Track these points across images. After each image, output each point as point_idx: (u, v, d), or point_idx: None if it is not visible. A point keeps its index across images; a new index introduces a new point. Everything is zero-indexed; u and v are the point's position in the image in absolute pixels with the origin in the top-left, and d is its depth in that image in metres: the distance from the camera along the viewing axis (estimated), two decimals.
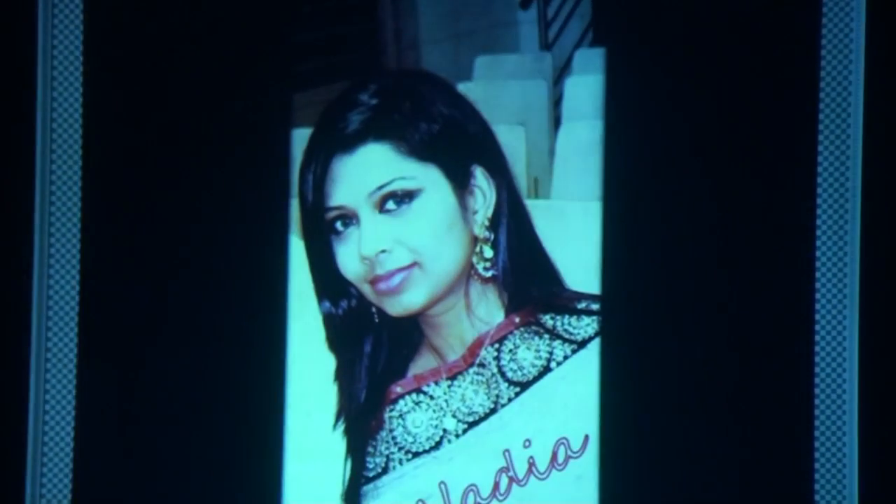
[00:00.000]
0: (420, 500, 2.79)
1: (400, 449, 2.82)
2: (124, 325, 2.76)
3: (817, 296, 2.73)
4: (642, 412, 2.74)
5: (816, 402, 2.72)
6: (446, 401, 2.81)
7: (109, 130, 2.78)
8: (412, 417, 2.81)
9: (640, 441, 2.74)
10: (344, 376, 2.81)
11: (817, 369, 2.73)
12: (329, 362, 2.81)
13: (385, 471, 2.81)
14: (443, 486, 2.80)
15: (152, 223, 2.77)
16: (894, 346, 2.73)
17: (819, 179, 2.74)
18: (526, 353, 2.80)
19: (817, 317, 2.73)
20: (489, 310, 2.81)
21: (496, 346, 2.81)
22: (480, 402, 2.81)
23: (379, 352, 2.81)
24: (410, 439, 2.81)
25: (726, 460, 2.73)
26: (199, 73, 2.79)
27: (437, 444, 2.81)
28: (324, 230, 2.73)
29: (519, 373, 2.80)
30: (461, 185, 2.77)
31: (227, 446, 2.76)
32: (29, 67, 2.78)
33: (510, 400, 2.80)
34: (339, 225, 2.75)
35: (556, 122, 2.82)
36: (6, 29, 2.78)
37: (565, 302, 2.79)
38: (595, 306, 2.79)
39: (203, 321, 2.77)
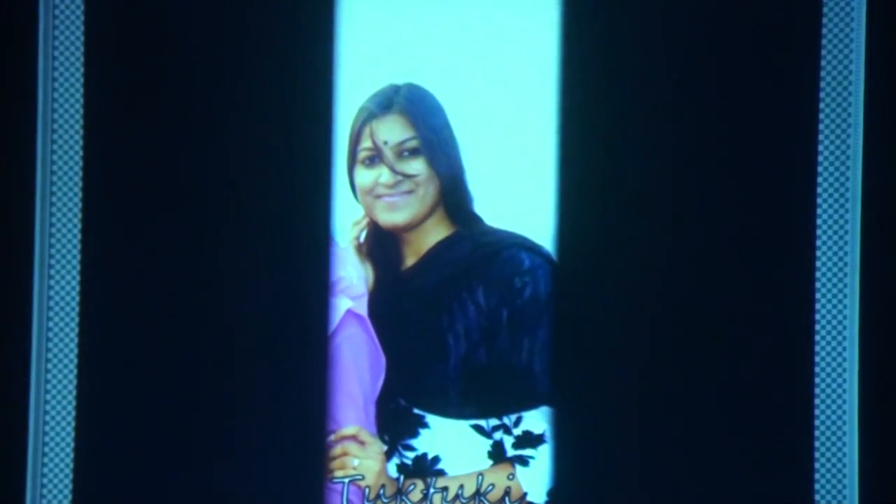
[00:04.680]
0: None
1: None
2: (124, 324, 2.77)
3: (817, 296, 2.73)
4: (643, 412, 2.75)
5: (816, 402, 2.73)
6: None
7: (109, 130, 2.78)
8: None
9: (641, 441, 2.74)
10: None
11: (817, 370, 2.73)
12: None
13: None
14: None
15: (152, 223, 2.78)
16: (894, 346, 2.73)
17: (819, 179, 2.74)
18: None
19: (817, 317, 2.73)
20: None
21: None
22: None
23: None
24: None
25: (727, 460, 2.73)
26: (199, 72, 2.79)
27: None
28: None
29: None
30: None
31: (225, 445, 2.77)
32: (29, 67, 2.78)
33: None
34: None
35: None
36: (7, 29, 2.78)
37: None
38: None
39: (203, 320, 2.77)
